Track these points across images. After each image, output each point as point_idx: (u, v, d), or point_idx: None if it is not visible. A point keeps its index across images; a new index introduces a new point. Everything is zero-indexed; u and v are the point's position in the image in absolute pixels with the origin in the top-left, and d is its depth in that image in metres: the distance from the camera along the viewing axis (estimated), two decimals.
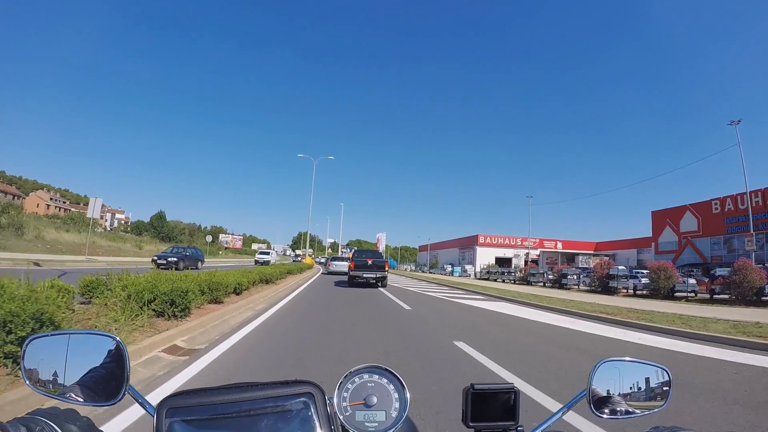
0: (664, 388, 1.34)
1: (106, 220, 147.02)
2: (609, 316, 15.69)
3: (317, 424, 1.06)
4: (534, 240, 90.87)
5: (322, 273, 48.24)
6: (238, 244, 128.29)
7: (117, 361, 1.16)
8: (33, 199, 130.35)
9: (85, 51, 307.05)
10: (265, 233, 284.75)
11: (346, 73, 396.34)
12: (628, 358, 1.34)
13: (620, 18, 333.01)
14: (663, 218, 62.56)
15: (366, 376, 1.22)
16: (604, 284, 36.87)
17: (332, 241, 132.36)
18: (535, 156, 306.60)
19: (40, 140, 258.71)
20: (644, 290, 33.47)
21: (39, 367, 1.16)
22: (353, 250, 34.63)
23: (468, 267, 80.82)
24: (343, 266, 42.92)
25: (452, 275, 79.24)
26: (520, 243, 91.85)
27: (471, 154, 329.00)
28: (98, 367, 1.16)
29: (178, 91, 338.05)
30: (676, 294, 31.07)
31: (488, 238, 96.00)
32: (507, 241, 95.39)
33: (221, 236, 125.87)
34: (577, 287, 40.77)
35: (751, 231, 40.18)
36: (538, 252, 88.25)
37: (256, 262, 57.10)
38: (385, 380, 1.23)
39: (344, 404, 1.17)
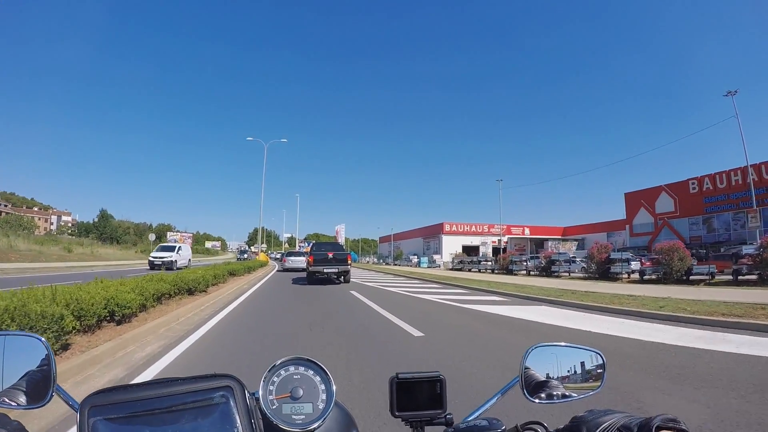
0: (599, 372, 1.34)
1: (51, 223, 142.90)
2: (693, 316, 11.38)
3: (237, 417, 1.02)
4: (502, 226, 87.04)
5: (277, 270, 43.21)
6: (188, 242, 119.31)
7: (43, 361, 1.13)
8: None
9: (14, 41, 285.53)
10: (219, 231, 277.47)
11: (300, 61, 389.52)
12: (561, 343, 1.35)
13: None
14: (637, 200, 61.13)
15: (292, 368, 1.20)
16: (603, 270, 32.72)
17: (289, 235, 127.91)
18: (500, 141, 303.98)
19: None
20: (653, 275, 29.31)
21: None
22: (311, 244, 30.88)
23: (436, 257, 75.92)
24: (300, 262, 39.27)
25: (419, 266, 75.22)
26: (487, 230, 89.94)
27: (431, 142, 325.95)
28: (24, 369, 1.12)
29: (128, 86, 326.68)
30: (692, 277, 27.30)
31: (454, 225, 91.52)
32: (474, 229, 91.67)
33: (169, 234, 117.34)
34: (567, 274, 37.28)
35: (754, 206, 38.89)
36: (506, 239, 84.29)
37: (152, 263, 41.06)
38: (311, 372, 1.20)
39: (270, 397, 1.15)
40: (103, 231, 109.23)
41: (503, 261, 47.41)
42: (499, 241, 77.23)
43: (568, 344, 1.35)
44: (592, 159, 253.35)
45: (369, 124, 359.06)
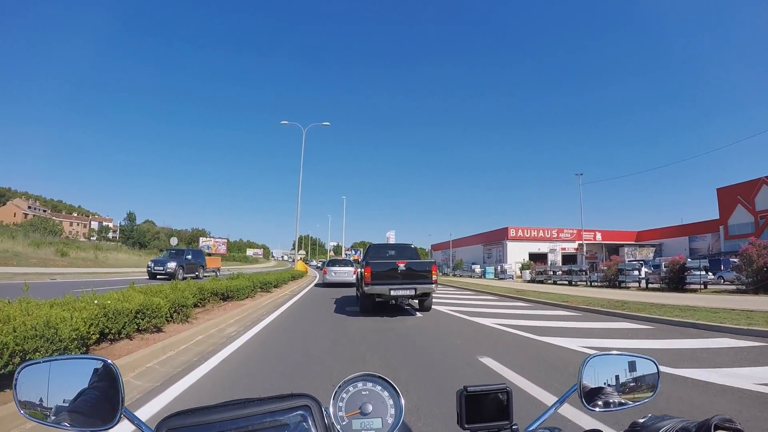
0: (653, 379, 1.38)
1: (92, 229, 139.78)
2: None
3: None
4: (571, 231, 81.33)
5: (315, 285, 33.52)
6: (222, 249, 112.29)
7: (110, 383, 1.16)
8: (9, 208, 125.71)
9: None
10: (264, 239, 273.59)
11: (338, 70, 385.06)
12: (615, 352, 1.39)
13: None
14: (732, 196, 54.64)
15: (360, 385, 1.22)
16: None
17: (335, 243, 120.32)
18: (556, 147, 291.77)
19: (30, 151, 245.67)
20: None
21: (32, 395, 1.15)
22: (368, 248, 19.30)
23: (506, 266, 65.43)
24: (345, 273, 31.49)
25: (484, 277, 65.47)
26: (556, 235, 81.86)
27: (473, 152, 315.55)
28: (92, 392, 1.15)
29: (167, 93, 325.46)
30: None
31: (520, 230, 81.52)
32: (541, 234, 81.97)
33: (201, 240, 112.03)
34: (701, 287, 28.94)
35: None
36: (575, 245, 77.31)
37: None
38: (379, 387, 1.23)
39: (340, 414, 1.18)
40: (130, 235, 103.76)
41: (609, 270, 36.83)
42: (581, 246, 67.94)
43: (622, 353, 1.38)
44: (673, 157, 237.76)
45: (424, 126, 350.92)
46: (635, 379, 1.37)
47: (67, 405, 1.12)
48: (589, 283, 39.31)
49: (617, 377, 1.35)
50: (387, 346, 9.21)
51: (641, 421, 1.10)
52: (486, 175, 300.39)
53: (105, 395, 1.14)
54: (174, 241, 65.99)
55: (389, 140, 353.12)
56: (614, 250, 68.36)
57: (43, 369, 1.16)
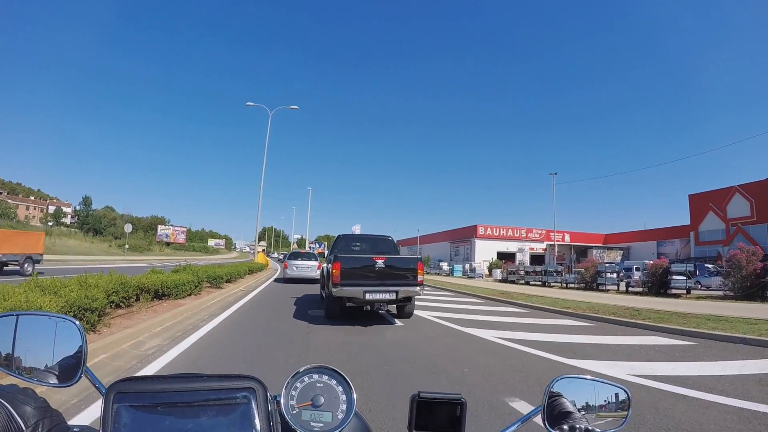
0: (624, 409, 1.33)
1: (48, 213, 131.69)
2: None
3: (257, 419, 1.06)
4: (540, 231, 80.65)
5: (275, 280, 29.96)
6: (181, 238, 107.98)
7: (74, 342, 1.18)
8: None
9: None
10: (227, 229, 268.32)
11: (309, 57, 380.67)
12: (587, 376, 1.33)
13: None
14: (704, 203, 53.91)
15: (315, 377, 1.22)
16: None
17: (299, 236, 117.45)
18: (536, 146, 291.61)
19: None
20: None
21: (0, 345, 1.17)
22: (338, 237, 15.73)
23: (475, 264, 63.24)
24: (308, 269, 28.19)
25: (452, 275, 62.65)
26: (524, 235, 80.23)
27: (444, 150, 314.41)
28: (56, 349, 1.17)
29: (135, 78, 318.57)
30: None
31: (489, 229, 79.21)
32: (510, 233, 79.95)
33: (159, 228, 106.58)
34: (685, 292, 27.92)
35: None
36: (544, 245, 77.14)
37: None
38: (333, 381, 1.22)
39: (292, 402, 1.18)
40: (85, 221, 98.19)
41: (586, 273, 35.03)
42: (550, 246, 68.40)
43: (594, 378, 1.34)
44: (648, 160, 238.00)
45: (395, 122, 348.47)
46: (605, 407, 1.31)
47: (31, 359, 1.13)
48: (564, 285, 37.90)
49: (586, 402, 1.30)
50: (365, 377, 6.42)
51: None
52: (455, 173, 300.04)
53: (68, 353, 1.15)
54: (128, 227, 62.69)
55: (358, 135, 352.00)
56: (582, 251, 68.01)
57: (7, 322, 1.17)
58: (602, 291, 31.66)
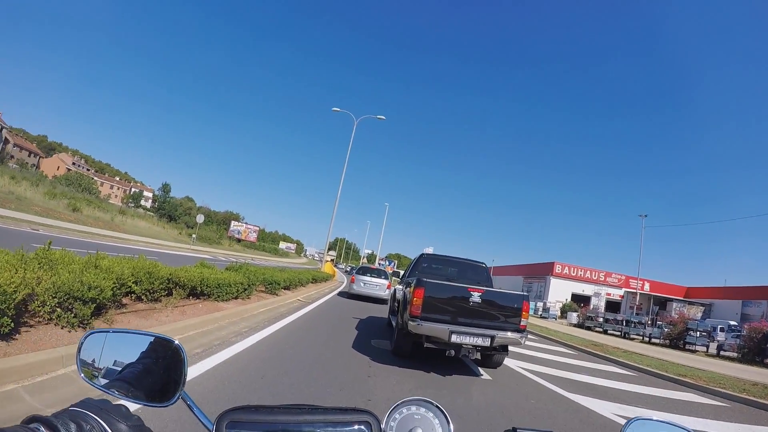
0: None
1: (128, 192, 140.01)
2: None
3: None
4: (619, 276, 75.88)
5: (338, 293, 27.85)
6: (252, 237, 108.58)
7: (174, 364, 1.18)
8: (54, 161, 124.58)
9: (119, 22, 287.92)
10: (300, 234, 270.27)
11: (408, 66, 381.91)
12: (659, 419, 1.31)
13: None
14: None
15: (413, 408, 1.23)
16: None
17: (369, 251, 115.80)
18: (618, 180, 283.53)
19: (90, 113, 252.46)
20: None
21: (95, 361, 1.19)
22: (419, 257, 13.15)
23: (549, 304, 60.01)
24: (376, 287, 25.72)
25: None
26: (603, 278, 75.75)
27: (526, 185, 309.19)
28: (155, 369, 1.18)
29: (228, 79, 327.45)
30: None
31: (566, 268, 75.16)
32: (587, 275, 75.70)
33: (233, 224, 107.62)
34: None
35: None
36: (621, 292, 72.11)
37: None
38: (431, 414, 1.23)
39: None
40: (161, 206, 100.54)
41: (674, 329, 31.68)
42: (628, 294, 64.40)
43: (669, 421, 1.30)
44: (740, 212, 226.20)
45: (481, 149, 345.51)
46: None
47: (125, 376, 1.13)
48: (647, 339, 34.55)
49: None
50: None
51: None
52: (535, 209, 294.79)
53: (168, 374, 1.15)
54: (200, 218, 62.21)
55: (441, 158, 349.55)
56: (662, 303, 64.03)
57: (110, 339, 1.20)
58: (690, 351, 28.50)
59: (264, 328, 10.23)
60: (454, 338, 8.65)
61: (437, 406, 1.23)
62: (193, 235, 62.89)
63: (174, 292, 9.65)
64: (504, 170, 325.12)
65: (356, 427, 1.06)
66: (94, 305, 6.19)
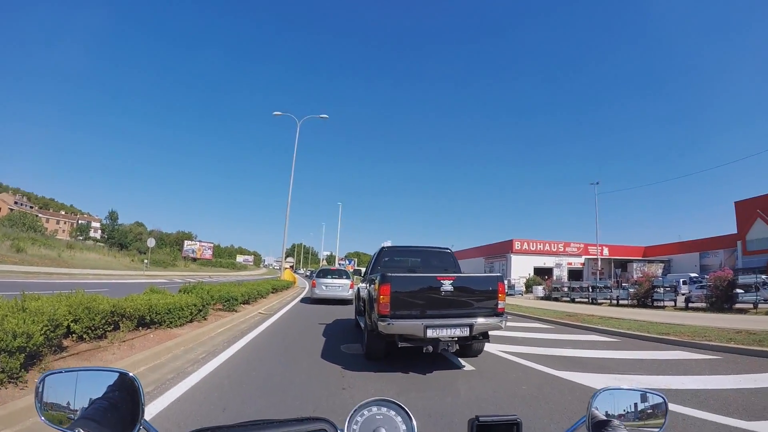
0: (661, 414, 1.39)
1: (75, 225, 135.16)
2: None
3: None
4: (578, 245, 77.51)
5: (301, 300, 27.15)
6: (207, 254, 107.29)
7: (131, 396, 1.19)
8: None
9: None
10: (256, 246, 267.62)
11: (342, 70, 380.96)
12: (626, 386, 1.40)
13: None
14: (751, 209, 52.33)
15: (374, 409, 1.24)
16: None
17: (328, 253, 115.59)
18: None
19: (25, 149, 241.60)
20: None
21: (54, 403, 1.19)
22: (381, 249, 12.30)
23: (515, 281, 60.68)
24: (339, 288, 24.94)
25: None
26: (562, 249, 77.20)
27: (478, 165, 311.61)
28: (112, 403, 1.18)
29: (161, 94, 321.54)
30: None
31: (525, 243, 76.33)
32: (547, 247, 76.97)
33: (186, 244, 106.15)
34: (753, 306, 24.86)
35: None
36: (582, 260, 74.98)
37: None
38: (392, 413, 1.24)
39: None
40: (111, 235, 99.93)
41: (640, 288, 32.28)
42: (588, 261, 67.38)
43: (632, 388, 1.40)
44: (686, 165, 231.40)
45: (427, 135, 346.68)
46: (643, 414, 1.36)
47: (87, 414, 1.12)
48: (615, 302, 35.27)
49: (626, 411, 1.35)
50: None
51: None
52: (489, 188, 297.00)
53: (125, 406, 1.15)
54: (151, 242, 60.65)
55: (389, 150, 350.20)
56: (622, 265, 67.62)
57: (66, 379, 1.19)
58: (659, 308, 29.23)
59: (223, 351, 9.37)
60: (430, 333, 7.98)
61: (398, 405, 1.22)
62: (146, 261, 61.27)
63: (121, 324, 8.72)
64: (454, 155, 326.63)
65: None
66: (23, 355, 5.29)
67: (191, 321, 11.68)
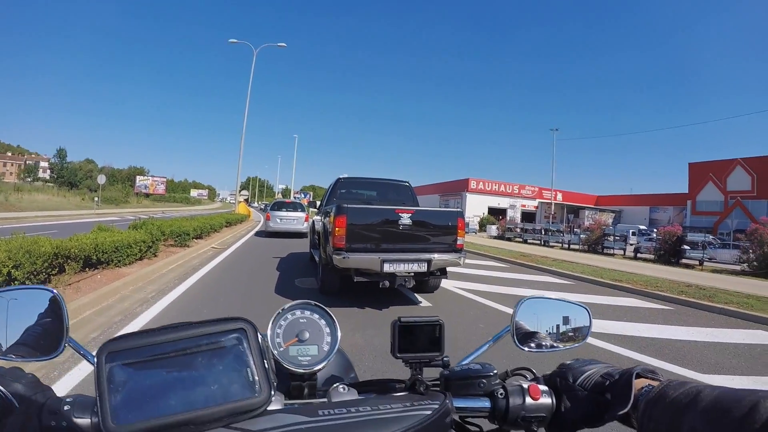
0: (585, 325, 1.39)
1: (23, 166, 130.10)
2: None
3: (250, 358, 1.04)
4: (533, 188, 78.12)
5: (255, 234, 26.52)
6: (161, 189, 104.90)
7: (55, 313, 1.16)
8: None
9: None
10: (211, 180, 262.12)
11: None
12: (550, 296, 1.38)
13: None
14: (704, 172, 53.85)
15: (298, 313, 1.24)
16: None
17: (284, 186, 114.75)
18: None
19: None
20: None
21: None
22: (336, 183, 11.70)
23: (469, 219, 60.42)
24: (293, 221, 24.77)
25: None
26: (517, 191, 77.56)
27: (438, 104, 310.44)
28: (37, 322, 1.15)
29: (111, 22, 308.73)
30: None
31: (481, 183, 76.20)
32: (502, 188, 77.21)
33: (138, 179, 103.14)
34: (699, 263, 25.30)
35: None
36: (535, 203, 75.92)
37: None
38: (316, 316, 1.24)
39: (278, 340, 1.19)
40: (60, 174, 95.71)
41: (592, 234, 33.11)
42: (542, 204, 67.98)
43: (556, 298, 1.39)
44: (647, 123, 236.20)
45: (389, 71, 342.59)
46: (567, 324, 1.36)
47: (14, 337, 1.10)
48: (567, 246, 35.97)
49: (550, 321, 1.35)
50: None
51: (568, 362, 1.15)
52: (449, 127, 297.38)
53: (50, 325, 1.13)
54: (102, 179, 58.28)
55: (348, 84, 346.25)
56: (575, 211, 68.94)
57: None
58: (608, 255, 29.85)
59: (174, 288, 9.11)
60: (387, 267, 7.92)
61: (322, 308, 1.22)
62: (96, 199, 59.31)
63: (66, 267, 8.39)
64: (415, 91, 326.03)
65: (233, 335, 1.03)
66: None
67: (141, 259, 11.36)
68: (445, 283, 10.70)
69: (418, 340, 1.21)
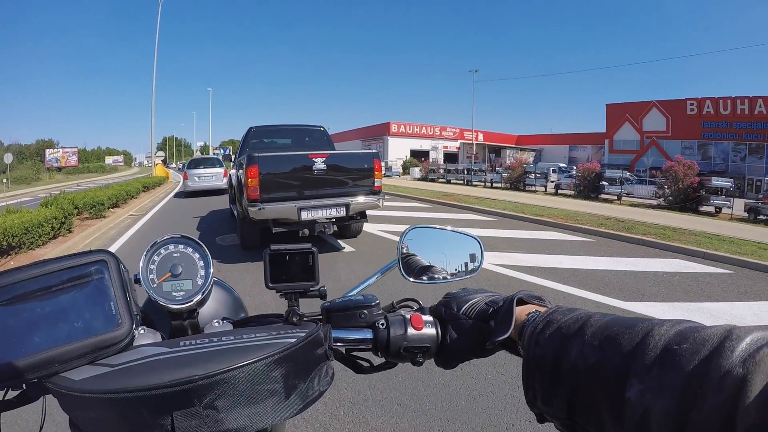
0: (476, 257, 1.34)
1: None
2: None
3: (112, 290, 0.99)
4: (454, 130, 78.90)
5: (174, 196, 25.77)
6: (73, 161, 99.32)
7: None
8: None
9: None
10: (126, 144, 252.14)
11: None
12: (439, 226, 1.34)
13: None
14: (621, 113, 55.51)
15: (171, 247, 1.17)
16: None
17: (202, 143, 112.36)
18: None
19: None
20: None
21: None
22: (248, 133, 11.42)
23: (391, 162, 60.77)
24: (212, 178, 24.25)
25: None
26: (438, 133, 78.11)
27: (353, 49, 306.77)
28: None
29: None
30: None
31: (402, 126, 76.69)
32: (423, 131, 77.86)
33: (48, 153, 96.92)
34: (618, 197, 27.40)
35: None
36: (457, 144, 77.01)
37: None
38: (190, 249, 1.17)
39: (152, 276, 1.12)
40: None
41: (514, 173, 34.37)
42: (464, 145, 69.57)
43: (446, 228, 1.35)
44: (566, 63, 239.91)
45: (302, 17, 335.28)
46: (458, 256, 1.32)
47: None
48: (490, 185, 36.85)
49: (439, 252, 1.31)
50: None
51: (454, 291, 1.11)
52: (367, 72, 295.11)
53: None
54: (8, 158, 54.43)
55: (261, 33, 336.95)
56: (496, 151, 70.84)
57: None
58: (530, 192, 31.07)
59: None
60: (305, 215, 7.88)
61: (196, 241, 1.15)
62: (5, 180, 55.91)
63: None
64: (333, 36, 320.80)
65: (93, 268, 0.97)
66: None
67: (55, 237, 11.08)
68: (367, 227, 10.70)
69: (291, 269, 1.13)
